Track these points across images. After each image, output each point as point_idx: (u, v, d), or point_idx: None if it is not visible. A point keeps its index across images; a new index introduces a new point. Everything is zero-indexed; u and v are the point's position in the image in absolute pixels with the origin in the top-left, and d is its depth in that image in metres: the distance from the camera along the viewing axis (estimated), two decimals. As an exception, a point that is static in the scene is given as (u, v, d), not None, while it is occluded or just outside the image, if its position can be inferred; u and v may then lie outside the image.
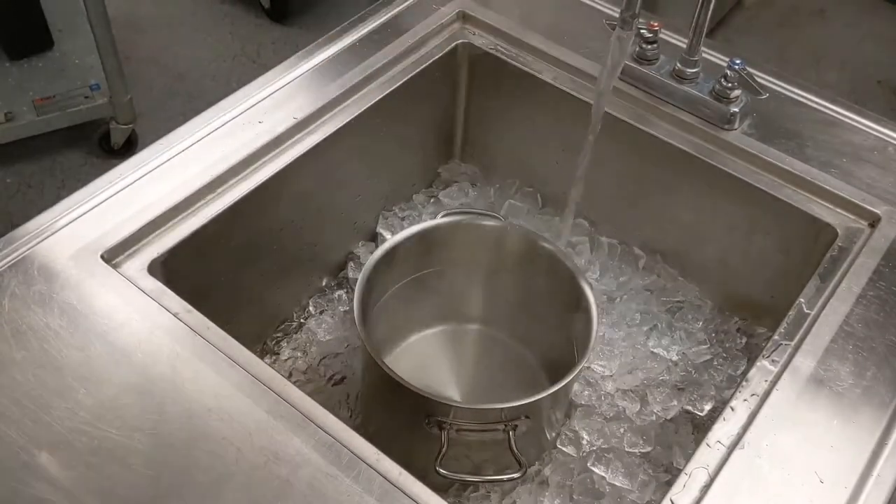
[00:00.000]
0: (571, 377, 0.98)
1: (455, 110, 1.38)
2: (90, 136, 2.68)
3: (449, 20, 1.31)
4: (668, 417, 1.12)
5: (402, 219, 1.30)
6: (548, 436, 1.09)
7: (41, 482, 0.79)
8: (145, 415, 0.84)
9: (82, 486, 0.79)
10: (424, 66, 1.26)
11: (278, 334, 1.19)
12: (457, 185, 1.36)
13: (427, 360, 1.20)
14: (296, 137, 1.14)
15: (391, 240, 1.09)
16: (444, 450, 0.96)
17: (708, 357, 1.17)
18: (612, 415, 1.13)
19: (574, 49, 1.27)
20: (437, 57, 1.27)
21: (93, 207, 1.02)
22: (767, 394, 0.89)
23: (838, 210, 1.10)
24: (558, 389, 0.97)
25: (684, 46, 1.17)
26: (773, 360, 0.92)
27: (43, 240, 0.98)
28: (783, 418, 0.88)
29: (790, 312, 0.97)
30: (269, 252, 1.18)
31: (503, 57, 1.29)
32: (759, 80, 1.18)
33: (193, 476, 0.80)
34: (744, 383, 0.91)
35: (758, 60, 1.23)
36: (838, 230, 1.08)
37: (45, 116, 2.54)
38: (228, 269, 1.13)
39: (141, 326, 0.91)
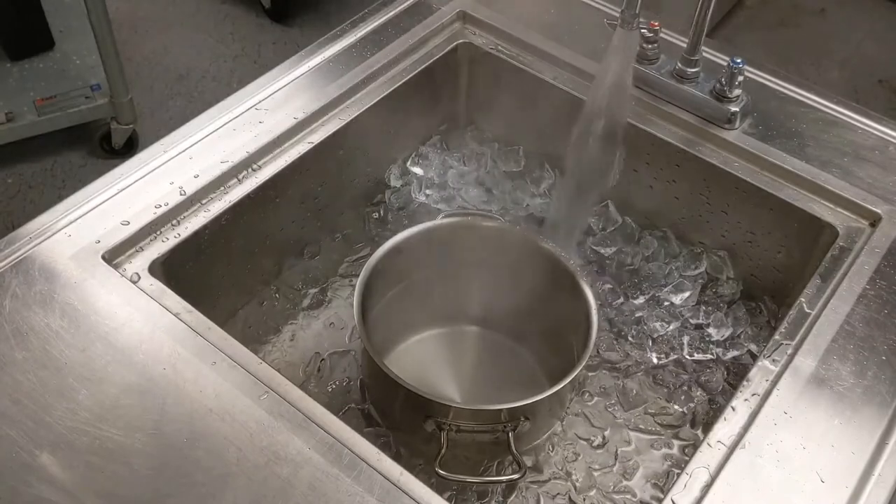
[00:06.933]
0: (571, 378, 0.97)
1: (456, 109, 1.38)
2: (91, 136, 2.68)
3: (449, 20, 1.32)
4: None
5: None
6: (548, 436, 1.09)
7: (42, 482, 0.79)
8: (146, 415, 0.84)
9: (83, 487, 0.79)
10: (425, 66, 1.26)
11: (279, 334, 1.18)
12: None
13: (427, 361, 1.19)
14: (296, 137, 1.14)
15: (390, 241, 1.09)
16: (443, 450, 0.95)
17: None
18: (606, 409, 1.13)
19: (574, 48, 1.26)
20: (437, 57, 1.28)
21: (93, 208, 1.02)
22: (768, 393, 0.89)
23: (839, 209, 1.10)
24: (558, 391, 0.97)
25: (685, 46, 1.17)
26: (773, 360, 0.92)
27: (44, 240, 0.98)
28: (784, 418, 0.87)
29: (791, 312, 0.97)
30: (269, 252, 1.18)
31: (503, 57, 1.29)
32: (760, 79, 1.17)
33: (194, 476, 0.80)
34: (744, 383, 0.91)
35: (758, 60, 1.23)
36: (839, 229, 1.08)
37: (46, 117, 2.54)
38: (229, 268, 1.13)
39: (142, 327, 0.91)
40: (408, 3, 1.33)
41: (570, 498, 1.04)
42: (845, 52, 3.31)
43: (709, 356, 1.15)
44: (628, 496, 1.05)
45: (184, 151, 1.09)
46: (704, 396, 1.12)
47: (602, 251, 1.26)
